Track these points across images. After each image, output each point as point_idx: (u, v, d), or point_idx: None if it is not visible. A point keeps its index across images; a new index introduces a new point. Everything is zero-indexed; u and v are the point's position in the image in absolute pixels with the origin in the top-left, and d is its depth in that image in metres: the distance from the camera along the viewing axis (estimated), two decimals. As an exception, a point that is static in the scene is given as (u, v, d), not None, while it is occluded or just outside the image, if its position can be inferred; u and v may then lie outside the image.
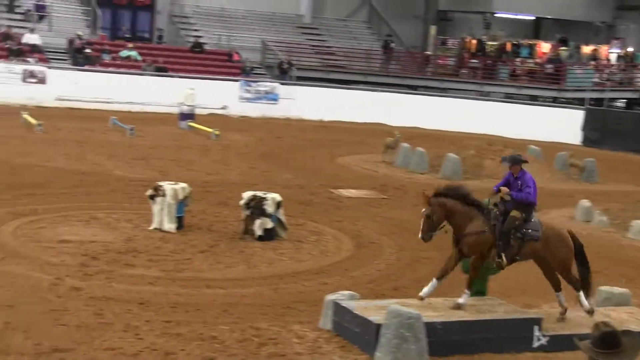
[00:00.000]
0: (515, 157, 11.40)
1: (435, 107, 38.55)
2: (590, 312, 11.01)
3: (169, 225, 15.55)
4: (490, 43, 44.72)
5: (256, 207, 15.46)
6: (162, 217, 15.62)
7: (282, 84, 39.14)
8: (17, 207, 16.70)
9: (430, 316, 10.25)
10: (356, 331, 10.28)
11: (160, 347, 9.91)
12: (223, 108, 36.94)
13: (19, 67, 34.97)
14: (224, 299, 11.98)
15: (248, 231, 15.52)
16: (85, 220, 16.09)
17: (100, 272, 12.89)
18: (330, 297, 10.90)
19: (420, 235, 10.82)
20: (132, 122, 29.77)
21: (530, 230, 10.84)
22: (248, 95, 38.18)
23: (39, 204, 17.14)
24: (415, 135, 31.94)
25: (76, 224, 15.76)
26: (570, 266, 11.16)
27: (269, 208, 15.46)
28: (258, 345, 10.14)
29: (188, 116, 32.31)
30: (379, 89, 40.85)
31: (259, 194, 15.87)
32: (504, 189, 10.97)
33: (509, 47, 44.50)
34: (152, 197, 15.81)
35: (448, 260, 10.88)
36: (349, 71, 43.48)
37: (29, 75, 34.98)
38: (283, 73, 40.73)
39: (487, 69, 44.03)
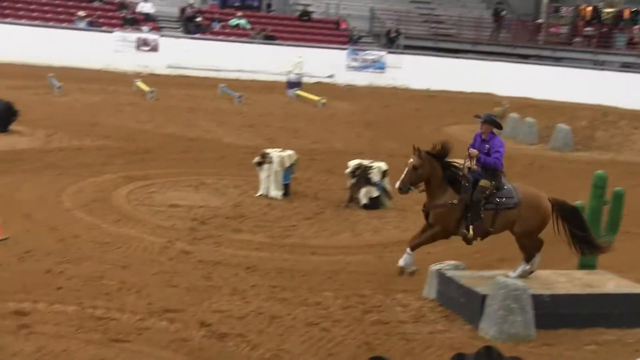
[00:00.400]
0: (491, 115, 10.81)
1: (546, 76, 37.66)
2: (524, 275, 10.51)
3: (276, 192, 15.74)
4: (606, 10, 43.27)
5: (362, 176, 15.49)
6: (269, 184, 15.83)
7: (390, 52, 38.91)
8: (130, 171, 17.20)
9: (538, 288, 10.08)
10: (461, 301, 10.22)
11: (266, 310, 10.09)
12: (330, 77, 37.01)
13: (133, 36, 35.88)
14: (329, 266, 12.08)
15: (353, 199, 15.57)
16: (195, 185, 16.45)
17: (208, 236, 13.18)
18: (435, 266, 10.86)
19: (398, 184, 10.37)
20: (240, 90, 30.17)
21: (504, 199, 10.33)
22: (355, 64, 38.13)
23: (150, 169, 17.61)
24: (524, 105, 31.29)
25: (186, 189, 16.14)
26: (536, 235, 10.55)
27: (375, 177, 15.47)
28: (362, 312, 10.20)
29: (295, 84, 32.51)
30: (489, 58, 40.12)
31: (365, 162, 15.88)
32: (473, 151, 10.45)
33: (626, 14, 42.97)
34: (259, 164, 16.02)
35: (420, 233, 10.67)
36: (458, 40, 42.83)
37: (142, 44, 35.89)
38: (391, 42, 40.45)
39: (603, 37, 42.63)
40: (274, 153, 16.08)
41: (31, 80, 28.96)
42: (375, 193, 15.42)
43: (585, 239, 10.71)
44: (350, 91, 35.32)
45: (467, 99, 34.67)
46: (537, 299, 9.79)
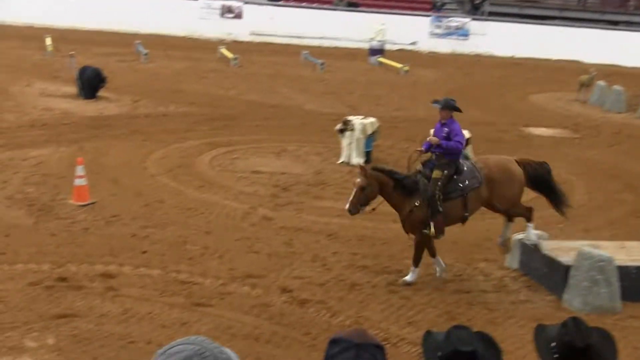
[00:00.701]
0: (448, 101, 10.41)
1: (636, 43, 36.48)
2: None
3: (357, 160, 15.71)
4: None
5: (444, 144, 15.32)
6: (351, 151, 15.82)
7: (474, 19, 38.27)
8: (214, 138, 17.40)
9: (624, 260, 9.86)
10: (544, 272, 10.07)
11: (346, 278, 10.13)
12: (413, 44, 36.65)
13: (217, 3, 36.15)
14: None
15: (435, 167, 15.43)
16: (277, 152, 16.56)
17: (290, 203, 13.26)
18: (519, 236, 10.71)
19: (347, 206, 9.95)
20: (322, 57, 30.14)
21: (467, 182, 10.03)
22: (438, 31, 37.65)
23: (233, 135, 17.79)
24: (612, 73, 30.45)
25: (268, 156, 16.26)
26: (519, 199, 10.33)
27: (457, 145, 15.28)
28: (443, 281, 10.15)
29: (378, 52, 32.31)
30: (576, 24, 39.09)
31: (448, 130, 15.70)
32: (433, 138, 10.10)
33: None
34: (341, 131, 16.01)
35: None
36: (544, 6, 41.81)
37: (226, 11, 36.14)
38: (475, 8, 39.77)
39: (697, 2, 41.10)
40: (356, 120, 16.04)
41: (119, 48, 29.52)
42: (457, 161, 15.26)
43: (557, 198, 10.52)
44: (432, 58, 34.94)
45: (553, 66, 33.93)
46: (624, 271, 9.57)
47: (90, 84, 20.53)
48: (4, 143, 15.78)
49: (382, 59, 31.65)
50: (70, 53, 24.12)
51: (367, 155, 15.88)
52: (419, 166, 10.17)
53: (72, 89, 20.90)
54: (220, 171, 14.94)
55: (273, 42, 35.27)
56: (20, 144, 15.82)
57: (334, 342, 2.83)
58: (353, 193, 9.88)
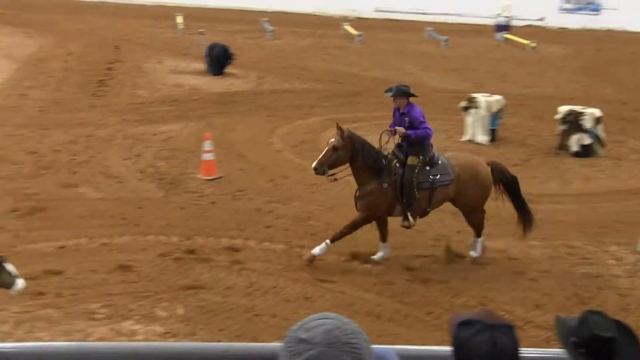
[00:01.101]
0: (400, 87, 9.73)
1: None
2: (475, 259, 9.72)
3: (482, 138, 15.47)
4: None
5: (573, 122, 14.90)
6: (475, 129, 15.58)
7: (606, -7, 36.89)
8: (337, 114, 17.43)
9: None
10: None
11: (470, 258, 10.00)
12: (540, 19, 35.65)
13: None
14: (536, 214, 11.71)
15: (563, 146, 15.03)
16: (400, 129, 16.44)
17: (414, 180, 13.16)
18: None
19: (314, 164, 9.44)
20: (446, 33, 29.72)
21: (438, 176, 9.46)
22: (568, 5, 36.47)
23: (357, 112, 17.78)
24: None
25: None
26: (481, 208, 9.68)
27: (587, 123, 14.83)
28: (571, 264, 9.88)
29: (504, 28, 31.59)
30: None
31: (577, 108, 15.26)
32: (400, 129, 9.45)
33: None
34: (465, 109, 15.78)
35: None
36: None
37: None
38: (607, -19, 38.33)
39: None
40: (481, 97, 15.77)
41: (245, 25, 29.95)
42: (587, 140, 14.81)
43: (522, 207, 9.90)
44: (561, 34, 33.91)
45: (690, 41, 32.38)
46: None
47: (218, 60, 20.96)
48: (137, 118, 16.31)
49: (508, 35, 30.93)
50: (199, 30, 24.63)
51: (492, 133, 15.60)
52: (392, 147, 9.69)
53: (201, 66, 21.36)
54: (343, 148, 14.96)
55: (397, 18, 35.00)
56: (152, 119, 16.32)
57: (465, 323, 2.77)
58: (324, 151, 9.46)
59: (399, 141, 9.64)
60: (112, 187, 12.22)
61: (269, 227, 10.75)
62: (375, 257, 9.74)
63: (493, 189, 9.83)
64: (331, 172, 9.47)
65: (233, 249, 9.90)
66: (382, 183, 9.51)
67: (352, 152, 9.45)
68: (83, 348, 3.54)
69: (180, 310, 8.31)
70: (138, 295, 8.55)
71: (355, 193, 9.70)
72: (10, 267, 6.92)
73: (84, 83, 19.30)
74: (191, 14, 30.99)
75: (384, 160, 9.55)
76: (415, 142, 9.55)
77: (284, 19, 31.56)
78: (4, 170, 12.60)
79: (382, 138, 9.68)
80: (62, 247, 9.71)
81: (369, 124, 16.66)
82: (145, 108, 17.28)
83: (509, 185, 9.88)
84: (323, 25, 31.88)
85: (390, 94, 9.78)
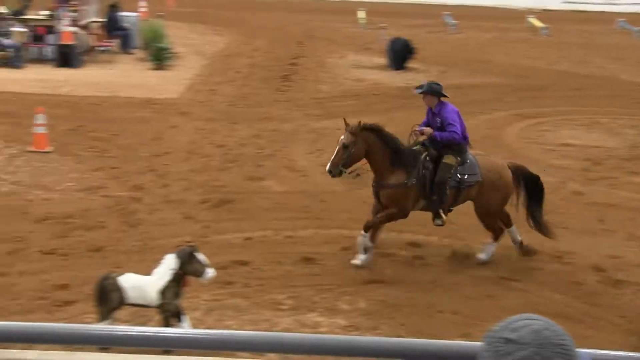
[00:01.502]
0: (432, 85, 9.00)
1: None
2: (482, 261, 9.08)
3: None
4: None
5: None
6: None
7: None
8: (522, 109, 17.04)
9: None
10: None
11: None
12: None
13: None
14: None
15: None
16: (587, 124, 15.89)
17: (602, 177, 12.68)
18: None
19: (328, 167, 8.80)
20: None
21: (466, 176, 8.77)
22: None
23: (542, 106, 17.29)
24: None
25: (578, 128, 15.64)
26: (499, 212, 8.96)
27: None
28: None
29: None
30: None
31: None
32: (427, 130, 8.78)
33: None
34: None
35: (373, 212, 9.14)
36: None
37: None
38: None
39: None
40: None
41: (427, 19, 29.79)
42: None
43: (534, 214, 9.21)
44: None
45: None
46: None
47: (400, 55, 20.95)
48: (320, 113, 16.56)
49: None
50: (381, 25, 24.73)
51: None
52: (423, 141, 9.15)
53: (383, 60, 21.42)
54: (528, 143, 14.59)
55: (586, 10, 33.78)
56: (333, 113, 16.50)
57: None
58: (335, 151, 8.98)
59: (425, 140, 9.23)
60: (296, 180, 12.45)
61: (452, 224, 10.62)
62: (356, 261, 9.25)
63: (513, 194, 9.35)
64: (348, 170, 9.09)
65: (415, 245, 9.86)
66: (408, 179, 9.03)
67: (367, 146, 9.01)
68: (270, 337, 3.61)
69: (362, 304, 8.35)
70: (322, 288, 8.67)
71: (373, 183, 9.30)
72: (201, 256, 7.19)
73: (269, 78, 19.81)
74: (373, 9, 31.17)
75: (411, 156, 9.10)
76: (441, 144, 9.12)
77: (466, 13, 31.15)
78: (194, 163, 13.11)
79: (410, 139, 9.29)
80: (248, 239, 9.98)
81: (554, 119, 16.19)
82: (328, 102, 17.51)
83: (534, 185, 9.39)
84: (507, 18, 31.24)
85: (420, 90, 9.40)
